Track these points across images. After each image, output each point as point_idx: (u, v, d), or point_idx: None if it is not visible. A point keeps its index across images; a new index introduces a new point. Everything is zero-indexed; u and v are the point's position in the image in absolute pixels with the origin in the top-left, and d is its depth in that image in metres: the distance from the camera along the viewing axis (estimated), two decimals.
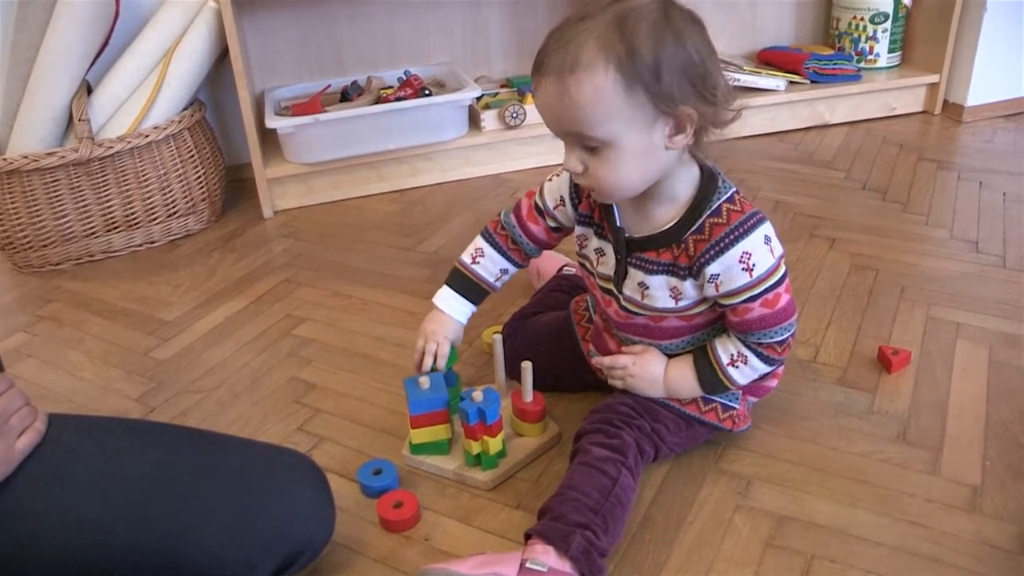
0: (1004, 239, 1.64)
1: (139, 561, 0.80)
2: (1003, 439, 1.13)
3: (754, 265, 0.95)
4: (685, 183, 0.98)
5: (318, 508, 0.91)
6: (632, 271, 1.02)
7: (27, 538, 0.79)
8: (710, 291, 0.98)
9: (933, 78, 2.28)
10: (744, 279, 0.95)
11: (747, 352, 1.02)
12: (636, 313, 1.05)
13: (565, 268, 1.45)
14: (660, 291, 1.01)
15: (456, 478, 1.11)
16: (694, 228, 0.97)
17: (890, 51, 2.31)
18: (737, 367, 1.03)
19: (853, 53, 2.32)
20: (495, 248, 1.18)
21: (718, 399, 1.10)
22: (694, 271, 0.97)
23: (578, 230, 1.10)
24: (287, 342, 1.45)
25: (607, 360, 1.11)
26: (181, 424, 1.23)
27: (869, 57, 2.31)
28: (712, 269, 0.96)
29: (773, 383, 1.15)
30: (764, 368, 1.03)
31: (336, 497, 0.95)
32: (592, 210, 1.07)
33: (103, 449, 0.84)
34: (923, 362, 1.29)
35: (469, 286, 1.18)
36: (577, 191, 1.09)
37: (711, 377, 1.05)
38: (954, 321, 1.38)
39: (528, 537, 0.94)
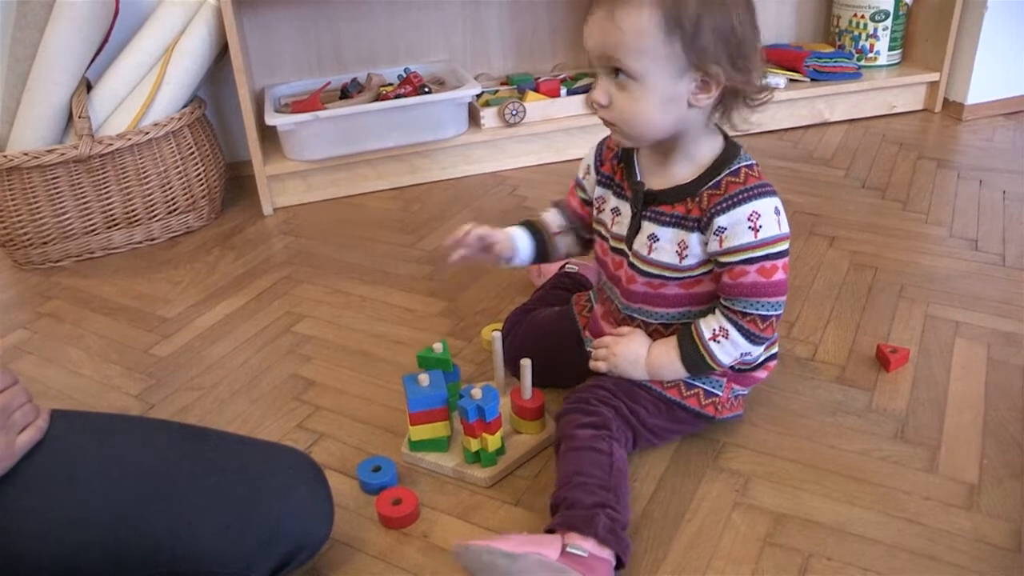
0: (1003, 237, 1.64)
1: (137, 558, 0.80)
2: (1000, 437, 1.13)
3: (761, 227, 0.98)
4: (708, 148, 1.03)
5: (317, 505, 0.91)
6: (645, 224, 1.06)
7: (26, 535, 0.79)
8: (714, 246, 1.00)
9: (933, 76, 2.28)
10: (748, 237, 0.98)
11: (729, 326, 1.03)
12: (642, 271, 1.07)
13: (567, 266, 1.45)
14: (668, 244, 1.04)
15: (455, 475, 1.11)
16: (711, 184, 1.01)
17: (890, 49, 2.31)
18: (718, 342, 1.04)
19: (853, 51, 2.32)
20: (558, 208, 1.24)
21: (701, 384, 1.11)
22: (703, 223, 1.01)
23: (598, 192, 1.14)
24: (286, 339, 1.45)
25: (595, 342, 1.14)
26: (181, 421, 1.22)
27: (869, 55, 2.31)
28: (720, 221, 0.99)
29: (762, 374, 1.16)
30: (745, 345, 1.04)
31: (335, 494, 0.95)
32: (613, 172, 1.11)
33: (102, 446, 0.85)
34: (921, 360, 1.29)
35: (530, 224, 1.21)
36: (600, 155, 1.13)
37: (692, 352, 1.06)
38: (953, 319, 1.39)
39: (550, 532, 0.94)
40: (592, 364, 1.14)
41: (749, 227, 0.98)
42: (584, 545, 0.90)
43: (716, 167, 1.01)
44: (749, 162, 1.02)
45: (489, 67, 2.27)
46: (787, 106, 2.23)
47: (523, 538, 0.92)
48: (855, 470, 1.09)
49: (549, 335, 1.24)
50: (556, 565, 0.88)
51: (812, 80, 2.23)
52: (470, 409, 1.06)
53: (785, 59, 2.26)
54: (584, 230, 1.23)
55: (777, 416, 1.19)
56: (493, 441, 1.09)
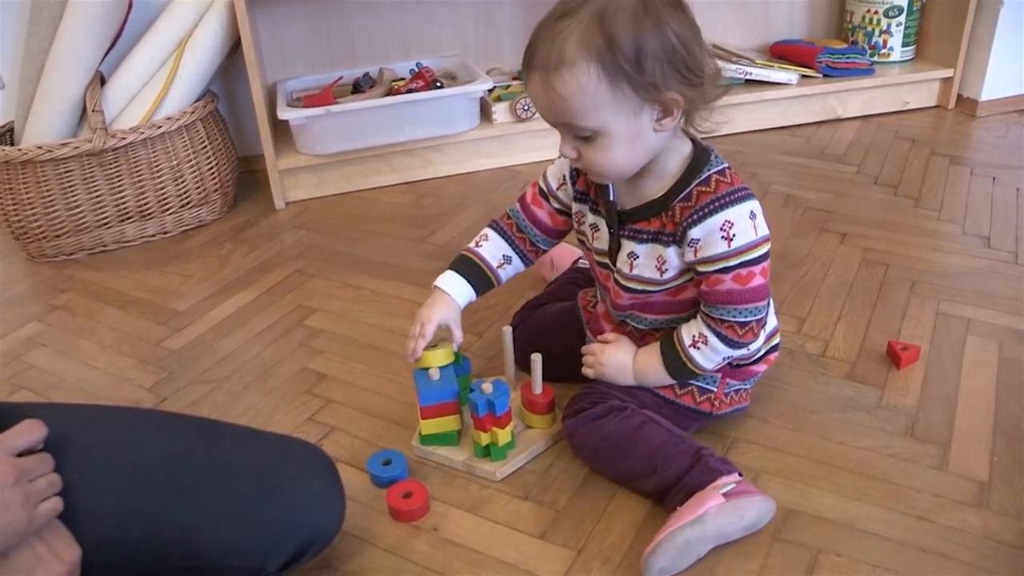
0: (1016, 235, 1.63)
1: (151, 552, 0.81)
2: (1011, 435, 1.13)
3: (734, 236, 0.97)
4: (676, 159, 1.01)
5: (329, 499, 0.92)
6: (624, 242, 1.05)
7: None
8: (689, 256, 1.00)
9: (947, 72, 2.26)
10: (722, 247, 0.97)
11: (708, 333, 1.03)
12: (628, 288, 1.07)
13: (580, 261, 1.45)
14: (647, 260, 1.03)
15: (465, 469, 1.12)
16: (682, 196, 0.99)
17: (904, 45, 2.29)
18: (698, 348, 1.04)
19: (867, 47, 2.30)
20: (499, 233, 1.19)
21: (694, 382, 1.11)
22: (678, 236, 1.00)
23: (575, 207, 1.13)
24: (298, 332, 1.46)
25: (583, 349, 1.15)
26: (192, 414, 1.24)
27: (883, 51, 2.30)
28: (694, 233, 0.98)
29: (761, 367, 1.15)
30: (725, 351, 1.03)
31: (346, 487, 0.95)
32: (588, 187, 1.10)
33: (115, 441, 0.85)
34: (932, 357, 1.29)
35: (470, 267, 1.16)
36: (575, 169, 1.11)
37: (675, 359, 1.06)
38: (964, 317, 1.38)
39: (673, 511, 0.97)
40: (583, 371, 1.14)
41: (722, 237, 0.96)
42: (727, 480, 0.97)
43: (686, 177, 0.99)
44: (720, 167, 0.99)
45: (501, 62, 2.27)
46: (799, 102, 2.22)
47: (685, 508, 0.95)
48: (865, 467, 1.09)
49: (555, 330, 1.25)
50: (729, 504, 0.94)
51: (825, 76, 2.22)
52: (480, 403, 1.06)
53: (798, 55, 2.26)
54: (544, 241, 1.19)
55: (787, 412, 1.19)
56: (503, 435, 1.09)
